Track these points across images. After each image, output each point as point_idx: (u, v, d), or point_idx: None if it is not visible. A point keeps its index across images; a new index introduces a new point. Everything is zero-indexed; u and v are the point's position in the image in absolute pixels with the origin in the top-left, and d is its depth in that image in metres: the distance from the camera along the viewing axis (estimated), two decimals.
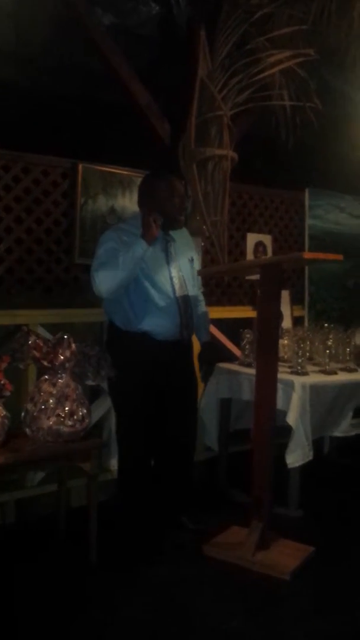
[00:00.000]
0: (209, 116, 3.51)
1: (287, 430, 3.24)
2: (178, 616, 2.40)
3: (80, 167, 3.40)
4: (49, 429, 2.63)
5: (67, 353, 2.71)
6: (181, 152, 3.55)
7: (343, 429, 3.52)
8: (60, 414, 2.65)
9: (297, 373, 3.38)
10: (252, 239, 4.32)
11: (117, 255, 2.76)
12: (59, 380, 2.70)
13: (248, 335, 3.65)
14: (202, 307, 3.18)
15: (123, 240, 2.82)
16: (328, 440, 3.98)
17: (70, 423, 2.66)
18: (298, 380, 3.28)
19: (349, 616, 2.44)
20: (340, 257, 2.98)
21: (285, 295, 4.10)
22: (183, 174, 3.51)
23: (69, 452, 2.68)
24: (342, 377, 3.49)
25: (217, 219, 3.59)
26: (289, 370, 3.44)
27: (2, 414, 2.57)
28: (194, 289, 3.06)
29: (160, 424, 2.94)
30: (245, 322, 3.92)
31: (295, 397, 3.23)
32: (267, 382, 2.93)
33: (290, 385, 3.25)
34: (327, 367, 3.53)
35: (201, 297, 3.21)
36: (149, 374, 2.85)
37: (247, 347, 3.65)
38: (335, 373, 3.50)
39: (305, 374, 3.39)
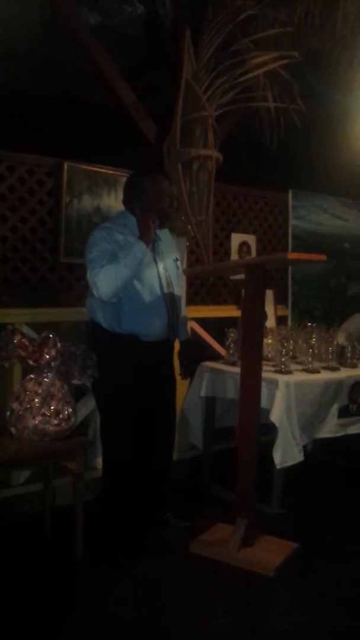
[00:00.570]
0: (194, 116, 3.53)
1: (271, 429, 3.28)
2: (164, 613, 2.42)
3: (65, 166, 3.40)
4: (35, 428, 2.63)
5: (53, 352, 2.71)
6: (166, 152, 3.56)
7: (330, 429, 3.54)
8: (46, 413, 2.65)
9: (280, 372, 3.42)
10: (236, 239, 4.35)
11: (112, 256, 2.74)
12: (45, 380, 2.70)
13: (232, 335, 3.68)
14: (184, 307, 3.20)
15: (115, 239, 2.81)
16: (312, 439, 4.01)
17: (55, 422, 2.66)
18: (282, 378, 3.31)
19: (333, 611, 2.47)
20: (323, 257, 3.02)
21: (269, 294, 4.14)
22: (168, 173, 3.53)
23: (54, 451, 2.68)
24: (325, 375, 3.53)
25: (202, 219, 3.61)
26: (272, 369, 3.47)
27: None
28: (178, 289, 3.08)
29: (142, 423, 2.95)
30: (229, 321, 3.96)
31: (279, 396, 3.26)
32: (251, 381, 2.95)
33: (274, 384, 3.28)
34: (310, 365, 3.57)
35: (183, 298, 3.23)
36: (133, 375, 2.85)
37: (231, 346, 3.68)
38: (319, 372, 3.54)
39: (288, 372, 3.43)
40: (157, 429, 3.02)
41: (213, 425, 3.77)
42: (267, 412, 3.24)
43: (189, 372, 3.19)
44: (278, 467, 3.25)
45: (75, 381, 2.85)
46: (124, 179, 3.09)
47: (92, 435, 3.43)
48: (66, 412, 2.70)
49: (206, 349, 3.96)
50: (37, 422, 2.63)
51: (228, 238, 4.35)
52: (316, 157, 4.71)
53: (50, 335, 2.72)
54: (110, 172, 3.61)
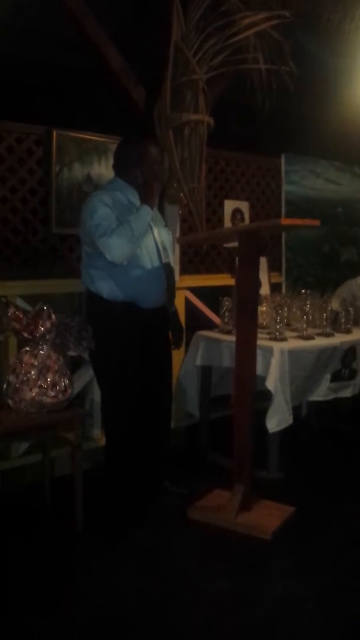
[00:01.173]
0: (184, 80, 3.45)
1: (266, 395, 3.30)
2: (164, 579, 2.46)
3: (54, 133, 3.34)
4: (32, 400, 2.64)
5: (48, 324, 2.70)
6: (157, 118, 3.49)
7: (321, 393, 3.59)
8: (43, 385, 2.65)
9: (275, 339, 3.43)
10: (229, 206, 4.31)
11: (115, 219, 2.73)
12: (40, 352, 2.70)
13: (227, 303, 3.68)
14: (174, 276, 3.19)
15: (116, 200, 2.80)
16: (306, 404, 4.05)
17: (52, 394, 2.67)
18: (277, 345, 3.32)
19: (330, 573, 2.53)
20: (317, 222, 2.99)
21: (263, 262, 4.12)
22: (159, 139, 3.47)
23: (52, 422, 2.69)
24: (320, 341, 3.55)
25: (194, 186, 3.56)
26: (267, 336, 3.48)
27: None
28: (172, 255, 3.08)
29: (141, 391, 2.96)
30: (224, 290, 3.94)
31: (274, 363, 3.27)
32: (246, 349, 2.96)
33: (269, 351, 3.30)
34: (305, 332, 3.58)
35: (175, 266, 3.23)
36: (132, 344, 2.85)
37: (226, 314, 3.68)
38: (313, 338, 3.56)
39: (283, 339, 3.44)
40: (154, 398, 3.03)
41: (209, 393, 3.80)
42: (263, 379, 3.26)
43: (178, 343, 3.20)
44: (271, 431, 3.29)
45: (71, 353, 2.85)
46: (114, 146, 3.04)
47: (89, 406, 3.44)
48: (63, 384, 2.71)
49: (200, 318, 3.97)
50: (34, 394, 2.64)
51: (221, 205, 4.31)
52: (309, 121, 4.64)
53: (45, 308, 2.71)
54: (101, 139, 3.55)
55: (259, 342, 3.10)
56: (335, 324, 3.81)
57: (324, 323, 3.71)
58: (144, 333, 2.88)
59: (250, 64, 3.64)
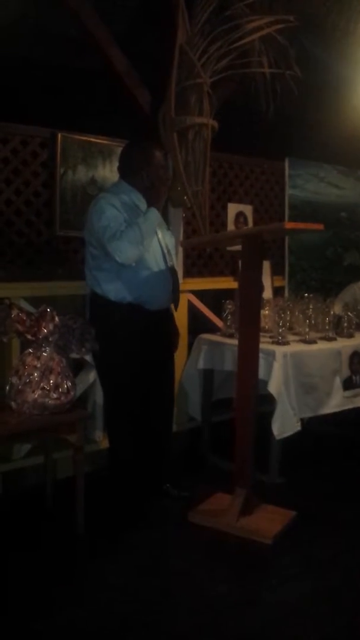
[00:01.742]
0: (189, 84, 3.46)
1: (268, 399, 3.30)
2: (165, 582, 2.46)
3: (59, 136, 3.35)
4: (34, 402, 2.64)
5: (51, 326, 2.70)
6: (161, 121, 3.50)
7: (337, 403, 3.52)
8: (45, 386, 2.66)
9: (278, 343, 3.43)
10: (233, 209, 4.32)
11: (124, 222, 2.74)
12: (43, 354, 2.70)
13: (230, 306, 3.68)
14: (179, 278, 3.20)
15: (123, 202, 2.81)
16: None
17: (55, 396, 2.67)
18: (279, 349, 3.32)
19: (329, 579, 2.52)
20: (320, 226, 2.99)
21: (266, 265, 4.12)
22: (163, 143, 3.47)
23: (55, 424, 2.70)
24: (322, 345, 3.55)
25: (198, 189, 3.57)
26: (270, 340, 3.48)
27: None
28: (174, 258, 3.09)
29: (144, 393, 2.96)
30: (226, 293, 3.95)
31: (277, 366, 3.27)
32: (249, 352, 2.96)
33: (271, 355, 3.30)
34: (307, 336, 3.58)
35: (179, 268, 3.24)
36: (139, 345, 2.86)
37: (229, 317, 3.68)
38: (315, 342, 3.55)
39: (286, 343, 3.44)
40: (157, 400, 3.03)
41: (211, 396, 3.80)
42: (265, 383, 3.25)
43: (175, 346, 3.20)
44: (277, 437, 3.28)
45: (74, 355, 2.86)
46: (119, 149, 3.06)
47: (91, 408, 3.44)
48: (65, 386, 2.71)
49: (203, 321, 3.97)
50: (36, 396, 2.64)
51: (224, 208, 4.31)
52: (313, 125, 4.64)
53: (48, 309, 2.72)
54: (105, 142, 3.55)
55: (262, 346, 3.10)
56: (338, 328, 3.81)
57: (327, 327, 3.71)
58: (147, 335, 2.88)
59: (254, 68, 3.65)
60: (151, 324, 2.88)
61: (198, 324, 3.92)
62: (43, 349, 2.71)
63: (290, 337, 3.57)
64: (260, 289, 3.10)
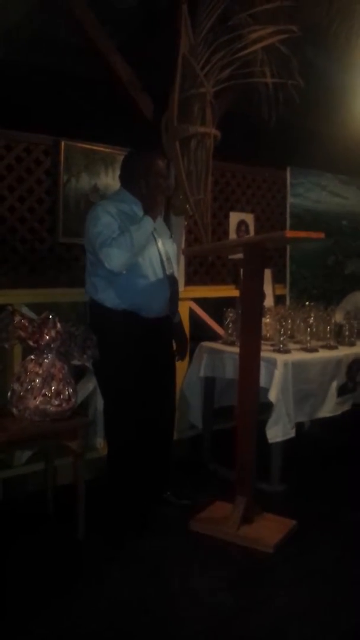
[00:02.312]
0: (192, 93, 3.48)
1: (269, 407, 3.29)
2: (164, 591, 2.45)
3: (62, 144, 3.37)
4: (36, 409, 2.64)
5: (53, 333, 2.71)
6: (164, 129, 3.52)
7: (330, 408, 3.56)
8: (47, 393, 2.66)
9: (279, 351, 3.43)
10: (234, 217, 4.33)
11: (118, 229, 2.75)
12: (45, 360, 2.70)
13: (231, 314, 3.69)
14: (178, 286, 3.20)
15: (120, 210, 2.83)
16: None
17: (56, 402, 2.67)
18: (280, 357, 3.32)
19: (331, 586, 2.52)
20: (322, 235, 2.99)
21: (267, 274, 4.13)
22: (166, 151, 3.49)
23: (56, 431, 2.70)
24: (324, 354, 3.55)
25: (200, 198, 3.58)
26: (271, 348, 3.48)
27: None
28: (176, 266, 3.10)
29: (144, 401, 2.97)
30: (228, 301, 3.96)
31: (278, 374, 3.27)
32: (250, 361, 2.96)
33: (272, 363, 3.30)
34: (309, 344, 3.58)
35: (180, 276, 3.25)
36: (135, 353, 2.86)
37: (230, 326, 3.68)
38: (317, 350, 3.56)
39: (287, 351, 3.44)
40: (157, 408, 3.03)
41: (212, 404, 3.80)
42: (266, 391, 3.26)
43: (183, 355, 3.21)
44: (270, 441, 3.28)
45: (75, 362, 2.85)
46: (121, 157, 3.08)
47: (92, 415, 3.44)
48: (67, 393, 2.71)
49: (204, 329, 3.97)
50: (38, 402, 2.64)
51: (226, 217, 4.33)
52: (315, 134, 4.66)
53: (50, 316, 2.72)
54: (108, 150, 3.57)
55: (263, 354, 3.10)
56: (339, 337, 3.81)
57: (328, 335, 3.71)
58: (146, 342, 2.88)
59: (257, 78, 3.67)
60: (148, 331, 2.88)
61: (199, 331, 3.93)
62: (45, 355, 2.71)
63: (292, 346, 3.57)
64: (262, 297, 3.10)
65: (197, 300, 3.96)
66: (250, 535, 2.83)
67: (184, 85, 3.49)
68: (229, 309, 3.71)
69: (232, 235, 4.30)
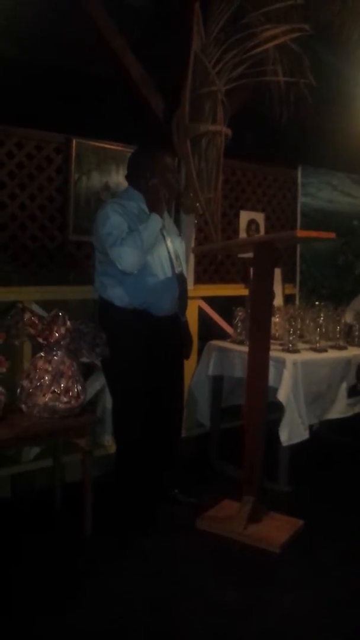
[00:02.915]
0: (203, 91, 3.47)
1: (278, 407, 3.29)
2: (170, 589, 2.46)
3: (74, 142, 3.37)
4: (45, 406, 2.66)
5: (62, 330, 2.72)
6: (175, 128, 3.52)
7: (340, 410, 3.55)
8: (56, 390, 2.67)
9: (288, 350, 3.42)
10: (245, 216, 4.32)
11: (128, 228, 2.76)
12: (54, 357, 2.72)
13: (240, 313, 3.69)
14: (187, 285, 3.20)
15: (129, 210, 2.83)
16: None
17: (65, 399, 2.68)
18: (289, 357, 3.32)
19: (338, 587, 2.51)
20: (332, 235, 2.99)
21: (277, 273, 4.12)
22: (177, 149, 3.49)
23: (64, 428, 2.71)
24: (333, 354, 3.54)
25: (210, 196, 3.58)
26: (280, 347, 3.48)
27: None
28: (185, 264, 3.10)
29: (152, 399, 2.97)
30: (237, 300, 3.95)
31: (287, 374, 3.27)
32: (259, 360, 2.96)
33: (281, 363, 3.29)
34: (318, 344, 3.58)
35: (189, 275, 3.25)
36: (144, 351, 2.87)
37: (239, 324, 3.68)
38: (326, 350, 3.55)
39: (296, 351, 3.43)
40: (166, 406, 3.04)
41: (220, 403, 3.80)
42: (275, 390, 3.25)
43: (187, 354, 3.21)
44: (284, 444, 3.27)
45: (84, 359, 2.87)
46: None
47: (100, 412, 3.45)
48: (76, 390, 2.72)
49: (213, 328, 3.97)
50: (47, 399, 2.66)
51: (237, 216, 4.32)
52: (326, 133, 4.64)
53: (60, 314, 2.73)
54: (119, 148, 3.58)
55: (272, 354, 3.10)
56: (349, 337, 3.80)
57: (337, 336, 3.70)
58: (154, 341, 2.89)
59: (269, 76, 3.66)
60: (157, 329, 2.89)
61: (208, 330, 3.93)
62: (54, 352, 2.72)
63: (301, 345, 3.56)
64: (271, 296, 3.10)
65: (206, 299, 3.96)
66: (257, 534, 2.83)
67: (196, 84, 3.48)
68: (239, 308, 3.71)
69: (242, 234, 4.30)
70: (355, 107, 4.46)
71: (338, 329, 3.71)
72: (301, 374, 3.31)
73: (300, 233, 3.51)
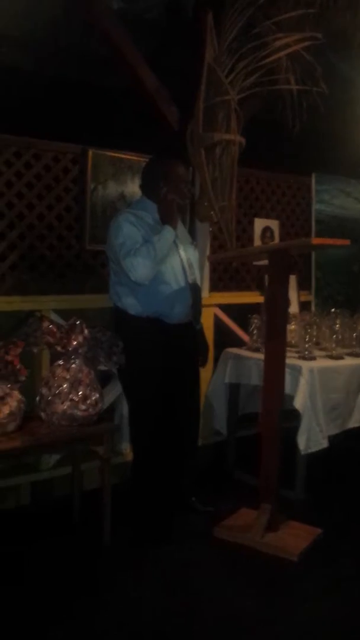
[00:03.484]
0: (217, 101, 3.50)
1: (294, 415, 3.28)
2: (188, 597, 2.46)
3: (90, 153, 3.41)
4: (64, 413, 2.68)
5: (80, 338, 2.75)
6: (189, 137, 3.55)
7: (358, 418, 3.52)
8: (74, 398, 2.69)
9: (304, 358, 3.42)
10: (259, 224, 4.34)
11: (142, 239, 2.78)
12: (73, 365, 2.74)
13: (256, 321, 3.69)
14: (201, 292, 3.22)
15: (143, 221, 2.85)
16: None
17: (83, 407, 2.70)
18: (305, 365, 3.31)
19: (356, 597, 2.50)
20: (347, 242, 2.99)
21: (292, 280, 4.12)
22: (191, 159, 3.52)
23: (83, 435, 2.73)
24: (349, 361, 3.53)
25: (225, 204, 3.60)
26: (296, 355, 3.47)
27: (18, 399, 2.61)
28: (199, 272, 3.11)
29: (168, 408, 2.98)
30: (253, 308, 3.96)
31: (303, 382, 3.26)
32: (275, 367, 2.96)
33: (297, 370, 3.29)
34: (334, 352, 3.57)
35: (204, 283, 3.25)
36: (160, 359, 2.88)
37: (255, 332, 3.68)
38: (342, 358, 3.54)
39: (312, 358, 3.43)
40: (182, 414, 3.05)
41: (237, 411, 3.80)
42: (291, 398, 3.25)
43: (204, 362, 3.22)
44: (302, 452, 3.26)
45: (102, 367, 2.89)
46: None
47: (118, 420, 3.47)
48: (93, 398, 2.74)
49: (229, 336, 3.97)
50: (65, 407, 2.68)
51: (251, 223, 4.33)
52: (340, 140, 4.64)
53: (78, 322, 2.76)
54: (134, 158, 3.61)
55: (288, 361, 3.10)
56: None
57: (354, 343, 3.69)
58: (170, 349, 2.90)
59: (281, 85, 3.68)
60: (172, 337, 2.90)
61: (224, 338, 3.93)
62: (72, 360, 2.75)
63: (317, 353, 3.56)
64: (287, 303, 3.10)
65: (221, 307, 3.97)
66: (275, 543, 2.82)
67: (209, 94, 3.51)
68: (254, 315, 3.72)
69: (257, 241, 4.31)
70: None
71: (354, 336, 3.70)
72: (318, 381, 3.30)
73: (315, 240, 3.52)
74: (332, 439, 3.83)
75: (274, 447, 2.93)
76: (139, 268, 2.73)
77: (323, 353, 3.59)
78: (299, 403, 3.25)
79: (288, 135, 3.86)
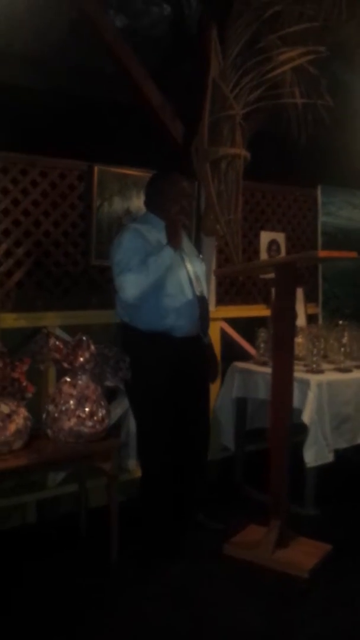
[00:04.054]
0: (221, 115, 3.51)
1: (303, 429, 3.26)
2: (197, 615, 2.43)
3: (96, 169, 3.43)
4: (70, 430, 2.67)
5: (87, 354, 2.74)
6: (194, 152, 3.56)
7: None
8: (81, 414, 2.68)
9: (312, 371, 3.40)
10: (265, 237, 4.33)
11: (140, 256, 2.77)
12: (79, 382, 2.73)
13: (263, 334, 3.67)
14: (208, 305, 3.21)
15: (147, 238, 2.85)
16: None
17: (90, 424, 2.69)
18: (313, 378, 3.29)
19: None
20: (354, 254, 2.97)
21: (299, 293, 4.11)
22: (196, 173, 3.53)
23: (89, 452, 2.72)
24: (358, 374, 3.50)
25: (231, 218, 3.60)
26: (304, 368, 3.45)
27: (25, 416, 2.60)
28: (206, 285, 3.11)
29: (178, 423, 2.96)
30: (259, 321, 3.94)
31: (311, 396, 3.24)
32: (283, 381, 2.94)
33: (305, 384, 3.27)
34: (342, 364, 3.54)
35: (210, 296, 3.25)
36: (166, 373, 2.87)
37: (262, 345, 3.67)
38: (351, 371, 3.51)
39: (320, 372, 3.41)
40: (191, 429, 3.03)
41: (244, 426, 3.77)
42: (299, 412, 3.22)
43: (214, 377, 3.21)
44: (308, 466, 3.23)
45: (108, 383, 2.88)
46: None
47: (125, 437, 3.45)
48: (100, 414, 2.73)
49: (236, 349, 3.96)
50: (72, 423, 2.67)
51: (257, 236, 4.33)
52: (345, 152, 4.65)
53: (84, 338, 2.75)
54: (140, 174, 3.62)
55: (295, 375, 3.08)
56: None
57: None
58: (178, 363, 2.89)
59: (286, 99, 3.69)
60: (180, 352, 2.89)
61: (231, 351, 3.92)
62: (79, 377, 2.74)
63: (325, 366, 3.53)
64: (294, 316, 3.09)
65: (228, 320, 3.96)
66: (285, 559, 2.79)
67: (214, 108, 3.53)
68: (261, 329, 3.70)
69: (263, 254, 4.30)
70: None
71: None
72: (326, 395, 3.28)
73: (322, 253, 3.50)
74: (341, 454, 3.81)
75: (283, 462, 2.90)
76: (128, 287, 2.74)
77: (331, 366, 3.57)
78: (307, 417, 3.23)
79: (294, 148, 3.87)
